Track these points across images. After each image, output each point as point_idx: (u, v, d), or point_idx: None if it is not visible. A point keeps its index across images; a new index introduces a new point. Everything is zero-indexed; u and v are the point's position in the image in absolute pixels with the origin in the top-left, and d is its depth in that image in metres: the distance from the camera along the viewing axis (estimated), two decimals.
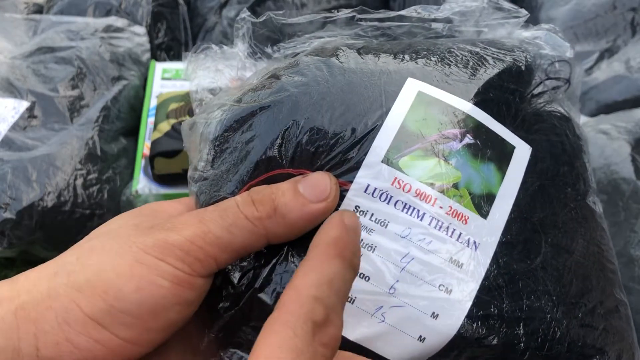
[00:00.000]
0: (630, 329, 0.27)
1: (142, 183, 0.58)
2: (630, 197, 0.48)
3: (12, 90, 0.60)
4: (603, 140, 0.52)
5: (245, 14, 0.30)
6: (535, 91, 0.27)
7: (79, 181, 0.55)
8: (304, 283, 0.19)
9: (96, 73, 0.64)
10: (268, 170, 0.23)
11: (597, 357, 0.24)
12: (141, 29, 0.74)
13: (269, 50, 0.30)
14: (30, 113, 0.59)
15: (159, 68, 0.69)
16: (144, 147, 0.60)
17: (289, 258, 0.22)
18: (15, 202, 0.52)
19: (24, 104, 0.59)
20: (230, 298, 0.22)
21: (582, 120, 0.60)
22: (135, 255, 0.20)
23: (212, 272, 0.21)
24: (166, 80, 0.68)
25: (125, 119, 0.64)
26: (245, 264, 0.22)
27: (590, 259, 0.25)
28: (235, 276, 0.22)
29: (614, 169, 0.50)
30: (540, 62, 0.29)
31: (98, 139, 0.59)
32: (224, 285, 0.22)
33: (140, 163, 0.59)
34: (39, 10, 0.80)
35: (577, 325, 0.23)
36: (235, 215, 0.21)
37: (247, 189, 0.22)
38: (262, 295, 0.22)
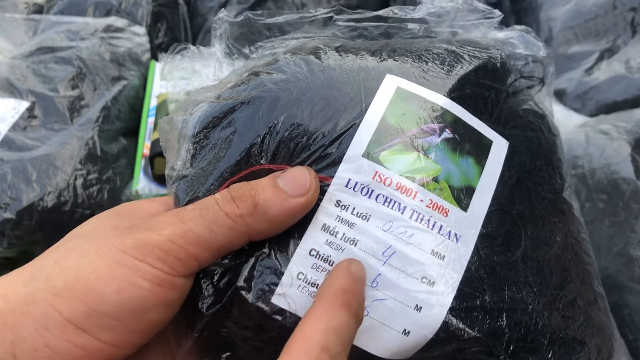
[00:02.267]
0: (609, 322, 0.27)
1: (142, 183, 0.58)
2: (630, 197, 0.48)
3: (12, 90, 0.60)
4: (603, 140, 0.52)
5: (223, 13, 0.30)
6: (511, 90, 0.28)
7: (79, 181, 0.55)
8: (313, 331, 0.19)
9: (96, 73, 0.64)
10: (248, 166, 0.23)
11: (578, 348, 0.24)
12: (141, 29, 0.74)
13: (246, 50, 0.30)
14: (30, 113, 0.59)
15: (159, 68, 0.69)
16: (144, 147, 0.60)
17: (271, 254, 0.22)
18: (15, 202, 0.52)
19: (24, 104, 0.59)
20: (212, 296, 0.22)
21: (582, 120, 0.60)
22: (115, 256, 0.19)
23: (194, 272, 0.21)
24: (166, 80, 0.68)
25: (125, 119, 0.64)
26: (226, 261, 0.22)
27: (568, 251, 0.26)
28: (217, 274, 0.22)
29: (614, 169, 0.50)
30: (515, 63, 0.29)
31: (98, 139, 0.59)
32: (206, 284, 0.22)
33: (140, 163, 0.59)
34: (39, 10, 0.80)
35: (558, 317, 0.24)
36: (215, 213, 0.21)
37: (227, 186, 0.22)
38: (244, 293, 0.22)
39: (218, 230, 0.20)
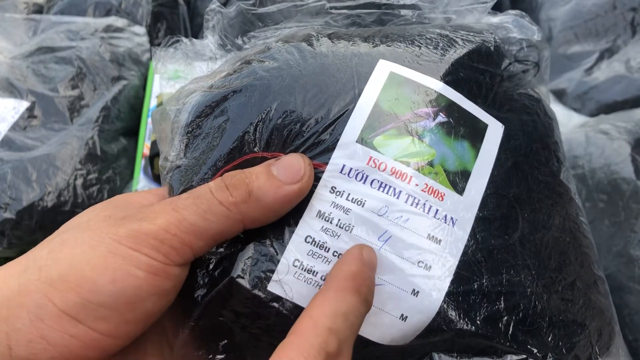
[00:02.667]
0: (610, 305, 0.27)
1: (142, 183, 0.58)
2: (630, 197, 0.48)
3: (12, 90, 0.60)
4: (603, 140, 0.52)
5: (215, 4, 0.30)
6: (505, 74, 0.28)
7: (79, 181, 0.55)
8: (321, 313, 0.19)
9: (96, 73, 0.64)
10: (242, 154, 0.23)
11: (579, 331, 0.24)
12: (141, 29, 0.74)
13: (239, 41, 0.30)
14: (30, 113, 0.59)
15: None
16: (144, 147, 0.60)
17: (266, 242, 0.22)
18: (15, 202, 0.52)
19: (24, 104, 0.59)
20: (207, 285, 0.22)
21: (582, 120, 0.60)
22: (109, 246, 0.19)
23: (189, 261, 0.21)
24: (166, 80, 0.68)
25: (125, 119, 0.64)
26: (221, 250, 0.22)
27: (567, 234, 0.25)
28: (212, 263, 0.22)
29: (614, 169, 0.50)
30: (510, 48, 0.29)
31: (98, 139, 0.59)
32: (201, 272, 0.22)
33: (140, 163, 0.59)
34: (39, 10, 0.80)
35: (558, 299, 0.24)
36: (209, 201, 0.20)
37: (221, 175, 0.22)
38: (240, 280, 0.22)
39: (212, 218, 0.20)
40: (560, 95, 0.65)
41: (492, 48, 0.27)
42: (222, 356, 0.23)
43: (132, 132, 0.65)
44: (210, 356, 0.23)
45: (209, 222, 0.20)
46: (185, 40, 0.30)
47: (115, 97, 0.63)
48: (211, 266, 0.22)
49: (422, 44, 0.26)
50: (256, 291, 0.21)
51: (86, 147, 0.57)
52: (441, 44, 0.26)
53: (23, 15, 0.74)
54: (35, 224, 0.53)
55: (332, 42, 0.26)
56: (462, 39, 0.27)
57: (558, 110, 0.62)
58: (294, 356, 0.18)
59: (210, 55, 0.30)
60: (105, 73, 0.65)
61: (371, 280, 0.21)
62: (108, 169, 0.59)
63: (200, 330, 0.23)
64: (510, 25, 0.30)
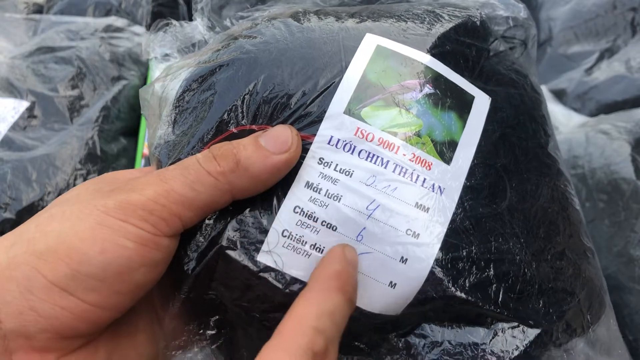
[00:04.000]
0: (600, 275, 0.27)
1: None
2: (630, 197, 0.48)
3: (12, 90, 0.60)
4: (603, 140, 0.52)
5: None
6: (492, 49, 0.28)
7: (79, 181, 0.55)
8: (306, 313, 0.19)
9: (96, 73, 0.64)
10: (229, 128, 0.23)
11: (569, 299, 0.24)
12: (141, 29, 0.74)
13: (227, 22, 0.30)
14: (30, 113, 0.59)
15: (159, 68, 0.69)
16: (144, 147, 0.60)
17: (255, 213, 0.22)
18: (15, 202, 0.52)
19: (23, 104, 0.59)
20: (197, 257, 0.22)
21: (582, 120, 0.60)
22: (97, 218, 0.19)
23: (178, 232, 0.21)
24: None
25: (125, 119, 0.64)
26: (210, 221, 0.22)
27: (555, 204, 0.26)
28: (201, 235, 0.22)
29: (614, 169, 0.50)
30: (497, 28, 0.29)
31: (98, 139, 0.59)
32: (190, 244, 0.22)
33: (140, 163, 0.59)
34: (39, 10, 0.80)
35: (547, 268, 0.24)
36: (197, 171, 0.20)
37: (209, 148, 0.22)
38: (229, 252, 0.22)
39: (201, 189, 0.20)
40: (560, 95, 0.65)
41: (477, 23, 0.28)
42: (213, 332, 0.23)
43: (132, 132, 0.65)
44: (201, 331, 0.23)
45: (198, 192, 0.20)
46: (174, 22, 0.30)
47: (115, 97, 0.63)
48: (200, 239, 0.22)
49: (408, 19, 0.27)
50: (245, 262, 0.22)
51: (86, 147, 0.57)
52: (427, 19, 0.27)
53: (23, 15, 0.74)
54: None
55: (319, 17, 0.26)
56: (448, 14, 0.27)
57: (558, 110, 0.62)
58: (281, 357, 0.18)
59: (199, 37, 0.30)
60: (105, 73, 0.65)
61: (354, 279, 0.21)
62: (108, 169, 0.59)
63: (191, 304, 0.23)
64: (496, 2, 0.30)
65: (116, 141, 0.62)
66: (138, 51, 0.71)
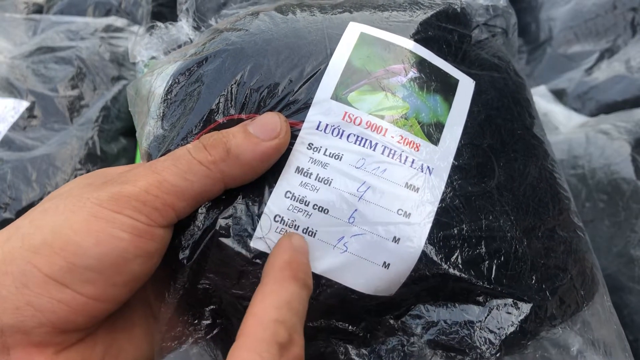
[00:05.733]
0: (590, 252, 0.27)
1: None
2: (631, 197, 0.48)
3: (12, 90, 0.60)
4: (603, 140, 0.52)
5: None
6: (474, 36, 0.28)
7: None
8: (264, 307, 0.19)
9: (96, 73, 0.64)
10: (218, 118, 0.24)
11: (561, 275, 0.24)
12: (141, 29, 0.74)
13: (212, 21, 0.30)
14: (30, 113, 0.59)
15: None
16: None
17: (247, 200, 0.22)
18: (15, 202, 0.52)
19: (23, 104, 0.59)
20: (191, 247, 0.22)
21: (582, 120, 0.60)
22: (91, 210, 0.19)
23: (172, 222, 0.21)
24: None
25: (125, 119, 0.64)
26: (203, 211, 0.22)
27: (544, 183, 0.26)
28: (195, 225, 0.22)
29: (614, 169, 0.50)
30: (478, 19, 0.29)
31: (98, 139, 0.59)
32: (184, 235, 0.22)
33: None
34: (39, 10, 0.80)
35: (538, 245, 0.24)
36: (188, 161, 0.21)
37: (199, 139, 0.22)
38: (222, 240, 0.22)
39: (193, 178, 0.20)
40: (560, 95, 0.65)
41: (458, 10, 0.28)
42: (208, 322, 0.23)
43: (132, 132, 0.65)
44: (196, 322, 0.23)
45: (190, 182, 0.20)
46: (160, 24, 0.30)
47: (115, 97, 0.63)
48: (194, 228, 0.22)
49: (390, 7, 0.27)
50: (239, 248, 0.22)
51: (86, 147, 0.57)
52: (409, 7, 0.27)
53: (23, 15, 0.74)
54: None
55: (303, 9, 0.27)
56: (429, 2, 0.28)
57: (558, 110, 0.62)
58: (247, 356, 0.18)
59: (185, 39, 0.30)
60: (105, 73, 0.65)
61: (306, 265, 0.21)
62: None
63: (186, 295, 0.23)
64: None
65: (116, 141, 0.62)
66: None
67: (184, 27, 0.30)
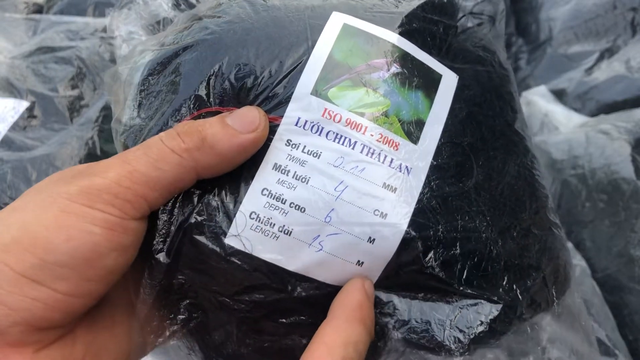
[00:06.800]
0: (565, 250, 0.27)
1: None
2: (631, 197, 0.48)
3: (12, 90, 0.60)
4: (603, 140, 0.52)
5: None
6: (460, 26, 0.28)
7: None
8: (334, 342, 0.20)
9: (96, 73, 0.64)
10: (195, 109, 0.23)
11: (534, 274, 0.24)
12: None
13: (193, 0, 0.30)
14: (30, 113, 0.59)
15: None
16: None
17: (222, 196, 0.22)
18: None
19: (23, 104, 0.59)
20: (165, 243, 0.22)
21: (582, 120, 0.60)
22: (61, 205, 0.19)
23: (145, 214, 0.21)
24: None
25: None
26: (177, 206, 0.22)
27: (522, 182, 0.26)
28: (169, 220, 0.22)
29: (614, 169, 0.50)
30: (465, 3, 0.29)
31: (98, 139, 0.59)
32: (159, 231, 0.22)
33: None
34: (39, 10, 0.80)
35: (513, 245, 0.24)
36: (160, 150, 0.20)
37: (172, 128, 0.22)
38: (197, 237, 0.22)
39: (165, 167, 0.20)
40: (560, 95, 0.65)
41: (445, 0, 0.28)
42: (183, 316, 0.23)
43: None
44: (172, 316, 0.23)
45: (162, 171, 0.20)
46: (138, 0, 0.30)
47: None
48: (168, 224, 0.22)
49: None
50: (214, 246, 0.22)
51: (86, 147, 0.57)
52: None
53: (23, 15, 0.74)
54: None
55: None
56: None
57: (558, 110, 0.62)
58: None
59: (164, 15, 0.30)
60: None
61: (372, 312, 0.22)
62: None
63: (161, 290, 0.23)
64: None
65: None
66: None
67: (162, 4, 0.30)
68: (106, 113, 0.61)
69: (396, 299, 0.23)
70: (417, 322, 0.23)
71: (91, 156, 0.57)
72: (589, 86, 0.62)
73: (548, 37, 0.70)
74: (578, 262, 0.50)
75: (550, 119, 0.61)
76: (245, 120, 0.21)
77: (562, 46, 0.68)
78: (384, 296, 0.23)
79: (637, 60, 0.60)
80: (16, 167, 0.53)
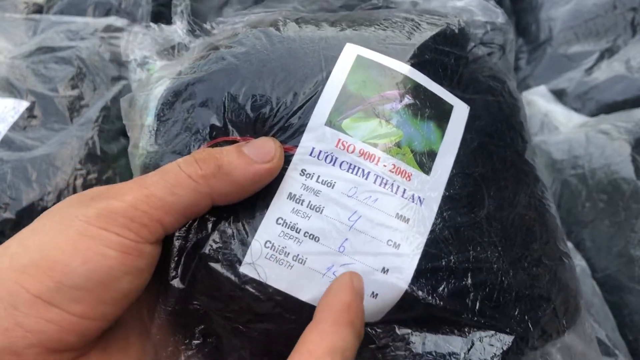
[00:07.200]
0: (575, 280, 0.27)
1: None
2: (631, 197, 0.48)
3: (12, 90, 0.60)
4: (603, 140, 0.52)
5: None
6: (470, 57, 0.28)
7: (79, 181, 0.55)
8: (320, 347, 0.19)
9: (96, 73, 0.64)
10: (212, 139, 0.24)
11: (544, 305, 0.24)
12: (135, 28, 0.74)
13: (207, 26, 0.30)
14: (30, 113, 0.59)
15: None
16: None
17: (238, 224, 0.22)
18: (15, 202, 0.52)
19: (23, 104, 0.59)
20: (180, 269, 0.22)
21: (582, 120, 0.60)
22: (79, 228, 0.19)
23: (160, 238, 0.21)
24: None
25: None
26: (192, 232, 0.22)
27: (532, 212, 0.26)
28: (184, 246, 0.22)
29: (614, 169, 0.50)
30: (475, 31, 0.29)
31: (98, 139, 0.59)
32: (174, 257, 0.22)
33: None
34: (39, 10, 0.80)
35: (524, 275, 0.24)
36: (177, 175, 0.20)
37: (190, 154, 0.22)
38: (212, 264, 0.22)
39: (181, 192, 0.20)
40: (560, 95, 0.65)
41: (456, 31, 0.28)
42: (198, 341, 0.23)
43: None
44: (187, 341, 0.23)
45: (178, 196, 0.20)
46: (153, 26, 0.30)
47: (115, 97, 0.63)
48: (183, 251, 0.22)
49: (388, 27, 0.27)
50: (229, 274, 0.22)
51: (86, 147, 0.57)
52: (407, 28, 0.27)
53: (23, 15, 0.74)
54: None
55: (299, 26, 0.26)
56: (427, 22, 0.27)
57: (558, 110, 0.62)
58: None
59: (178, 40, 0.30)
60: (105, 73, 0.65)
61: (362, 312, 0.21)
62: (108, 169, 0.59)
63: (176, 315, 0.23)
64: (475, 8, 0.31)
65: (116, 141, 0.62)
66: None
67: (177, 30, 0.30)
68: (106, 113, 0.61)
69: (410, 332, 0.23)
70: (430, 355, 0.23)
71: (91, 156, 0.57)
72: (589, 86, 0.62)
73: (548, 37, 0.70)
74: (578, 262, 0.50)
75: (550, 119, 0.61)
76: (261, 150, 0.21)
77: (562, 46, 0.68)
78: (397, 330, 0.23)
79: (637, 60, 0.60)
80: (16, 167, 0.53)
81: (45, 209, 0.52)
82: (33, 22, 0.72)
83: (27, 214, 0.52)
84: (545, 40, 0.71)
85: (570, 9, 0.69)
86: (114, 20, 0.72)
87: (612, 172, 0.50)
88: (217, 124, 0.24)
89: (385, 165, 0.23)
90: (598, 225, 0.50)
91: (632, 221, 0.47)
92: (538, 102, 0.64)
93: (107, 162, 0.59)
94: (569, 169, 0.54)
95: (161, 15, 0.78)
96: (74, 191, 0.54)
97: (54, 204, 0.54)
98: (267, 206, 0.22)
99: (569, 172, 0.54)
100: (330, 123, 0.23)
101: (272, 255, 0.22)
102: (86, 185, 0.55)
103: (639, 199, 0.47)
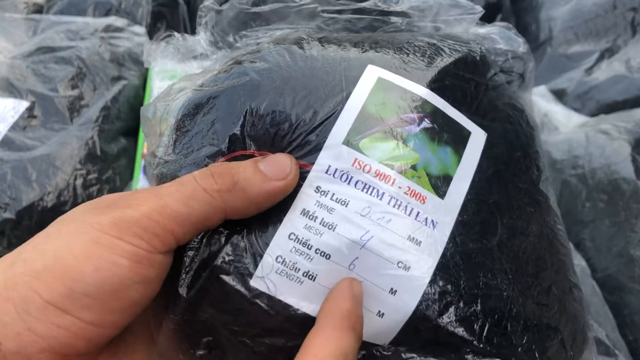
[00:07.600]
0: (584, 311, 0.27)
1: (142, 183, 0.58)
2: (631, 197, 0.48)
3: (12, 90, 0.60)
4: (603, 140, 0.52)
5: (209, 1, 0.30)
6: (490, 84, 0.28)
7: (79, 181, 0.55)
8: (324, 352, 0.20)
9: (96, 73, 0.64)
10: (229, 152, 0.24)
11: (552, 335, 0.24)
12: (141, 29, 0.74)
13: (230, 39, 0.31)
14: (30, 113, 0.59)
15: (159, 78, 0.69)
16: (144, 147, 0.60)
17: (250, 238, 0.22)
18: (15, 202, 0.52)
19: (23, 104, 0.59)
20: (190, 280, 0.22)
21: (582, 120, 0.60)
22: (93, 236, 0.19)
23: (172, 248, 0.21)
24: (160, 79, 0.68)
25: (125, 119, 0.64)
26: (204, 244, 0.22)
27: (544, 241, 0.26)
28: (195, 258, 0.22)
29: (614, 169, 0.50)
30: (496, 58, 0.29)
31: (98, 139, 0.59)
32: (184, 267, 0.22)
33: (140, 163, 0.59)
34: (39, 10, 0.80)
35: (533, 304, 0.24)
36: (193, 187, 0.21)
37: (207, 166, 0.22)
38: (222, 276, 0.22)
39: (195, 205, 0.20)
40: (560, 95, 0.65)
41: (478, 57, 0.28)
42: (203, 352, 0.23)
43: (132, 132, 0.65)
44: (192, 351, 0.23)
45: (192, 208, 0.20)
46: (177, 35, 0.30)
47: (115, 97, 0.63)
48: (194, 261, 0.22)
49: (410, 51, 0.27)
50: (238, 287, 0.22)
51: (86, 147, 0.58)
52: (429, 52, 0.27)
53: (23, 15, 0.74)
54: (35, 224, 0.53)
55: (323, 45, 0.27)
56: (449, 48, 0.28)
57: (558, 110, 0.62)
58: None
59: (201, 51, 0.31)
60: (105, 73, 0.65)
61: (362, 317, 0.21)
62: (108, 169, 0.59)
63: (183, 325, 0.23)
64: (497, 36, 0.31)
65: (116, 141, 0.62)
66: (138, 51, 0.71)
67: (201, 41, 0.30)
68: (106, 113, 0.61)
69: (414, 357, 0.23)
70: None
71: (91, 156, 0.57)
72: (589, 86, 0.62)
73: (548, 37, 0.70)
74: (578, 262, 0.50)
75: (550, 119, 0.61)
76: (277, 167, 0.22)
77: (562, 46, 0.68)
78: (403, 354, 0.23)
79: (637, 60, 0.60)
80: (16, 167, 0.53)
81: (45, 208, 0.52)
82: (33, 22, 0.72)
83: (27, 214, 0.52)
84: (545, 40, 0.71)
85: (570, 9, 0.69)
86: (114, 20, 0.72)
87: (612, 172, 0.50)
88: (236, 137, 0.24)
89: (400, 187, 0.23)
90: (598, 225, 0.50)
91: (632, 221, 0.47)
92: (538, 102, 0.64)
93: (107, 162, 0.59)
94: (569, 169, 0.54)
95: (161, 15, 0.78)
96: (74, 191, 0.54)
97: (54, 203, 0.55)
98: (280, 221, 0.22)
99: (569, 172, 0.54)
100: (347, 142, 0.23)
101: (283, 271, 0.22)
102: (86, 185, 0.55)
103: (639, 199, 0.47)
